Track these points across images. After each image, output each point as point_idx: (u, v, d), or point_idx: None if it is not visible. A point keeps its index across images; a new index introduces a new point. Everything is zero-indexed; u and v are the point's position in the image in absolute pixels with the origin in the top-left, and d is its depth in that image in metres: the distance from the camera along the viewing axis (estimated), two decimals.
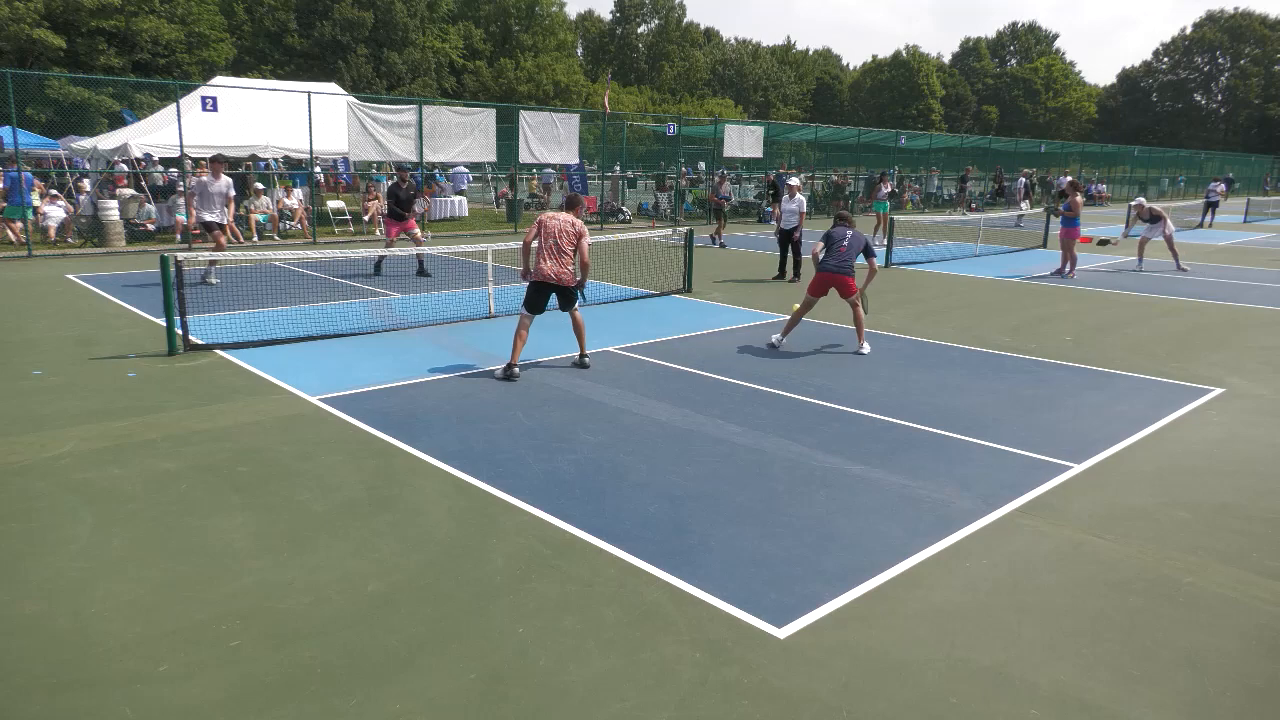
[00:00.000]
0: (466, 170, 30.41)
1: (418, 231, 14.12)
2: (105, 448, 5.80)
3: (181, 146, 17.25)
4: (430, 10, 57.97)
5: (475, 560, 4.34)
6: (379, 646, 3.58)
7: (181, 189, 18.02)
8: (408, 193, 13.82)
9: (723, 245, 19.44)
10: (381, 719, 3.14)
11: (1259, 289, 14.59)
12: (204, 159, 20.88)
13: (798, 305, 9.51)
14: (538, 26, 65.49)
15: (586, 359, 8.17)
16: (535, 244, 7.71)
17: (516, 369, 7.68)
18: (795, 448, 6.03)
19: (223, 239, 12.53)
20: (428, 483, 5.32)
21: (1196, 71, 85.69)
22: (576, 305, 8.03)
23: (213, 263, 12.49)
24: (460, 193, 29.62)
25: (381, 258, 13.97)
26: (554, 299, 7.93)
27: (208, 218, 12.36)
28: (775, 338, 9.37)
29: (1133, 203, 18.46)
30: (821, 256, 9.30)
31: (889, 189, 22.59)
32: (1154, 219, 17.19)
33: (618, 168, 30.88)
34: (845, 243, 9.19)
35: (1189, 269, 16.82)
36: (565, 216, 7.80)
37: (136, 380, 7.51)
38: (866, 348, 9.18)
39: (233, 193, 12.69)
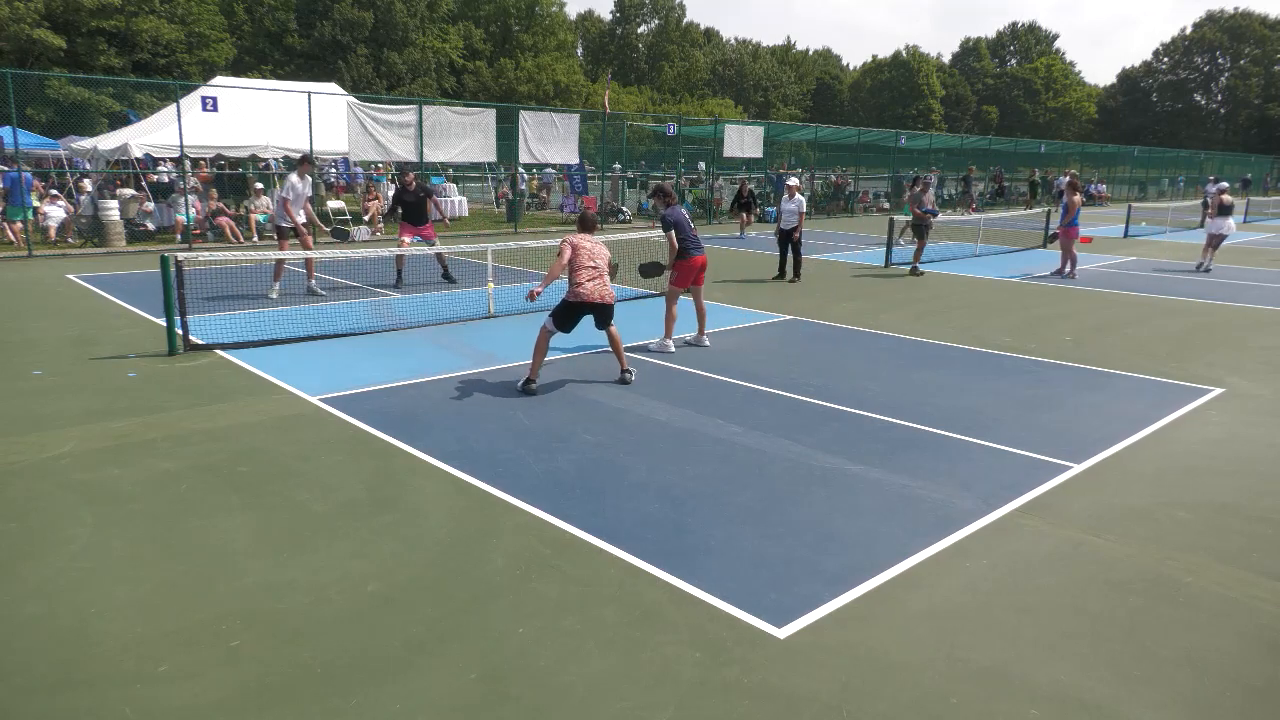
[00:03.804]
0: (553, 171, 30.29)
1: (433, 239, 13.08)
2: (105, 448, 5.80)
3: (181, 146, 17.26)
4: (430, 10, 57.96)
5: (475, 560, 4.34)
6: (379, 646, 3.58)
7: (181, 188, 18.03)
8: (415, 195, 12.82)
9: (918, 272, 15.55)
10: (381, 719, 3.14)
11: (1259, 289, 14.59)
12: (203, 159, 21.05)
13: (673, 306, 8.98)
14: (538, 26, 65.49)
15: (629, 373, 7.69)
16: (571, 264, 7.39)
17: (535, 383, 7.29)
18: (795, 448, 6.03)
19: (309, 240, 12.12)
20: (428, 483, 5.32)
21: (1196, 71, 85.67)
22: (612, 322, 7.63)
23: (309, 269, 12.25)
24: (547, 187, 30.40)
25: (399, 269, 13.02)
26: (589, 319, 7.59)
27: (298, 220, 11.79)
28: (668, 343, 8.92)
29: (1212, 189, 17.62)
30: (679, 242, 8.77)
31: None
32: (1225, 211, 16.86)
33: (617, 166, 30.86)
34: (689, 223, 8.95)
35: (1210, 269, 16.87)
36: (590, 237, 7.58)
37: (136, 380, 7.51)
38: (707, 340, 9.18)
39: (308, 193, 12.14)
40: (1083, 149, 53.06)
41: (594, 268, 7.39)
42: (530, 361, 7.43)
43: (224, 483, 5.26)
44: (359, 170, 26.80)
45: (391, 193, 13.52)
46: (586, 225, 7.79)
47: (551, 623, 3.78)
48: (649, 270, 8.99)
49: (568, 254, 7.41)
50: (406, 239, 12.83)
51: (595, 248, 7.49)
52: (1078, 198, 15.27)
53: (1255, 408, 7.36)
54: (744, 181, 24.83)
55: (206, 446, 5.86)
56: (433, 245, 12.74)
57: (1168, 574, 4.36)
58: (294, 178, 11.68)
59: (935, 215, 16.17)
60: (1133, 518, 5.02)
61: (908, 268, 15.72)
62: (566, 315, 7.46)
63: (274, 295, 11.64)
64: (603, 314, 7.52)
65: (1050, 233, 20.40)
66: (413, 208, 12.79)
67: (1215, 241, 16.91)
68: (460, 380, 7.68)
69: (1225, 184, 17.86)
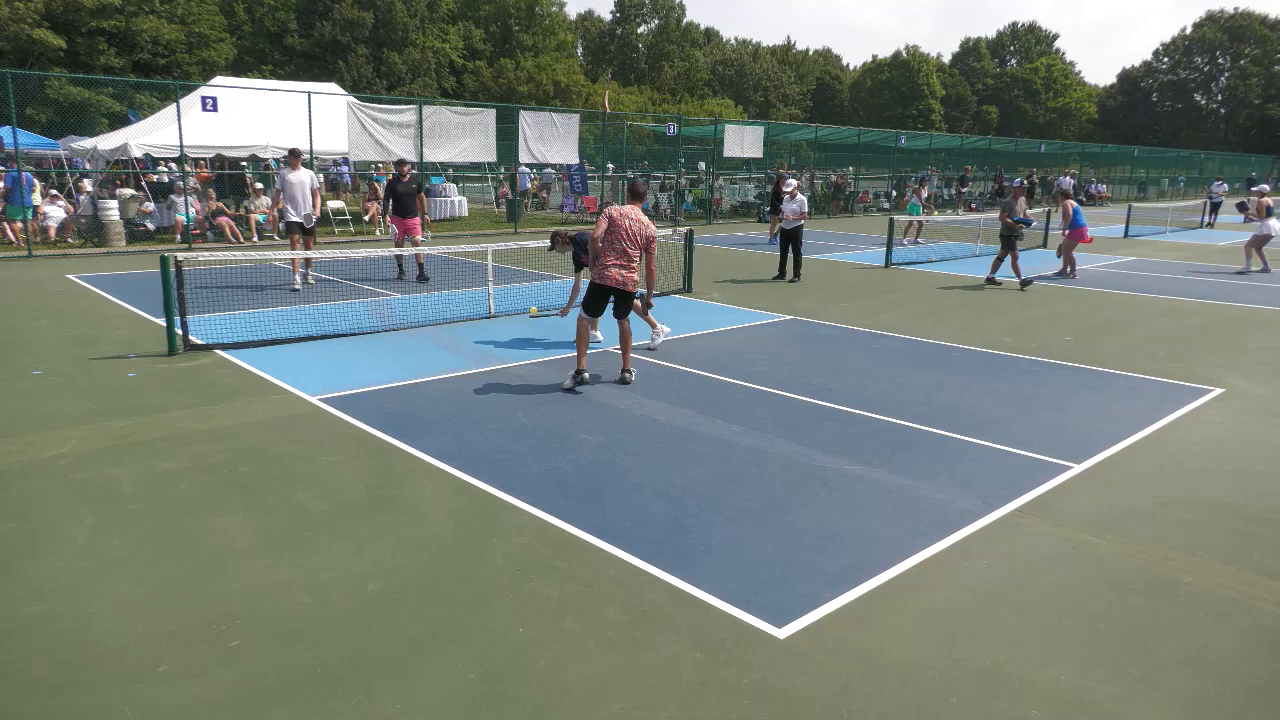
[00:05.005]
0: (553, 171, 30.31)
1: (418, 236, 13.25)
2: (105, 448, 5.80)
3: (181, 146, 17.26)
4: (430, 10, 57.97)
5: (475, 560, 4.34)
6: (379, 646, 3.58)
7: (181, 189, 18.03)
8: (408, 187, 12.92)
9: (1026, 283, 13.98)
10: (381, 719, 3.14)
11: (1259, 289, 14.59)
12: (203, 159, 21.06)
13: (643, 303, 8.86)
14: (538, 27, 65.48)
15: (629, 373, 7.68)
16: (603, 242, 7.32)
17: (586, 373, 7.46)
18: (795, 448, 6.03)
19: (311, 241, 12.23)
20: (428, 483, 5.32)
21: (1196, 72, 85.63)
22: (651, 309, 7.74)
23: (308, 264, 12.30)
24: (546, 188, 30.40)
25: (399, 263, 13.26)
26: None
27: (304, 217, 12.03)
28: (664, 328, 9.19)
29: (1255, 189, 17.09)
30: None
31: (926, 192, 20.49)
32: (1268, 213, 16.68)
33: (611, 166, 30.82)
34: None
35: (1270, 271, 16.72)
36: (634, 214, 7.37)
37: (136, 380, 7.51)
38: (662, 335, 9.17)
39: (316, 184, 12.32)
40: (1083, 149, 53.03)
41: (623, 251, 7.31)
42: (575, 353, 7.59)
43: (224, 483, 5.26)
44: (344, 170, 26.74)
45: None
46: (636, 194, 7.65)
47: (551, 623, 3.78)
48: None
49: (603, 227, 7.36)
50: (398, 233, 13.22)
51: (635, 227, 7.34)
52: (1068, 203, 15.38)
53: (1255, 408, 7.35)
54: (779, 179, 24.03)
55: (206, 446, 5.86)
56: (416, 244, 13.02)
57: (1168, 574, 4.36)
58: (286, 172, 12.05)
59: (1029, 225, 14.44)
60: (1133, 518, 5.01)
61: (1008, 280, 14.29)
62: (592, 298, 7.50)
63: (298, 287, 12.14)
64: (621, 300, 7.55)
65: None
66: (403, 199, 12.96)
67: (1259, 243, 16.74)
68: (460, 380, 7.68)
69: (1266, 186, 17.58)
